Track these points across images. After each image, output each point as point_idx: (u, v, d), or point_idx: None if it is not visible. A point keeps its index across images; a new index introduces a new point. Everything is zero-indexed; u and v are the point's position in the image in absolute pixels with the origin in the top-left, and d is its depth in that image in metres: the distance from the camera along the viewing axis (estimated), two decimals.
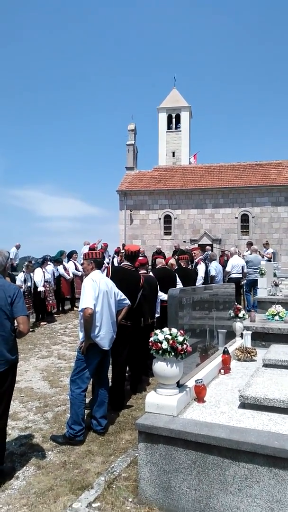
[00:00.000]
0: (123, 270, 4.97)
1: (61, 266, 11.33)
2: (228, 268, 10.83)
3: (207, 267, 10.10)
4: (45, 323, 9.91)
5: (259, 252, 13.73)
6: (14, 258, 14.91)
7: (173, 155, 34.26)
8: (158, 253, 16.13)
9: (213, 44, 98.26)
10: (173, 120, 34.90)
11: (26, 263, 9.97)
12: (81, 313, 3.93)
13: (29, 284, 9.34)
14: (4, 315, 3.13)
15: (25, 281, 9.24)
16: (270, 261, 12.45)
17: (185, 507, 2.67)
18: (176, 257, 9.09)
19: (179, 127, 34.85)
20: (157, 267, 6.83)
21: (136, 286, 4.92)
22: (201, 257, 10.01)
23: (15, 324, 3.23)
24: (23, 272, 9.52)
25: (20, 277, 9.33)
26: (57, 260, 11.27)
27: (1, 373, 3.11)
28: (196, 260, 9.86)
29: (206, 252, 12.34)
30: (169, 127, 34.89)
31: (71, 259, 12.05)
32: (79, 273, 11.53)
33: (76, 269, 11.79)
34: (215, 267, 9.97)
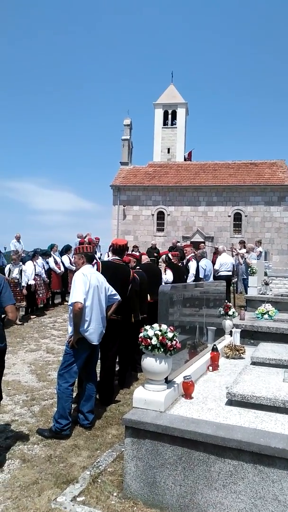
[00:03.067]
0: (113, 265, 4.95)
1: (52, 259, 11.24)
2: (216, 266, 10.85)
3: (198, 264, 10.09)
4: (35, 316, 9.86)
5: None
6: (16, 250, 14.37)
7: (168, 152, 34.18)
8: (153, 249, 16.10)
9: (212, 42, 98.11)
10: (169, 116, 34.77)
11: (11, 255, 9.89)
12: (71, 307, 3.91)
13: (14, 275, 9.25)
14: None
15: (9, 272, 9.18)
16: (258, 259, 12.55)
17: (170, 502, 2.68)
18: (169, 253, 9.08)
19: (175, 124, 34.74)
20: (142, 262, 6.82)
21: (126, 280, 4.89)
22: (193, 254, 9.99)
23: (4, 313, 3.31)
24: (11, 263, 9.44)
25: (6, 269, 9.29)
26: (45, 253, 11.16)
27: None
28: (188, 257, 9.85)
29: (202, 250, 12.37)
30: (165, 123, 34.76)
31: (65, 254, 11.96)
32: (73, 268, 11.46)
33: (71, 263, 11.71)
34: (204, 265, 9.99)
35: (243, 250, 13.73)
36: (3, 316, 3.36)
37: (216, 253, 13.87)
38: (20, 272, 9.37)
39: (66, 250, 12.03)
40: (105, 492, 2.86)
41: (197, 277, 9.24)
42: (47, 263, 11.00)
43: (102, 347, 4.62)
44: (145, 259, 7.04)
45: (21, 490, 2.94)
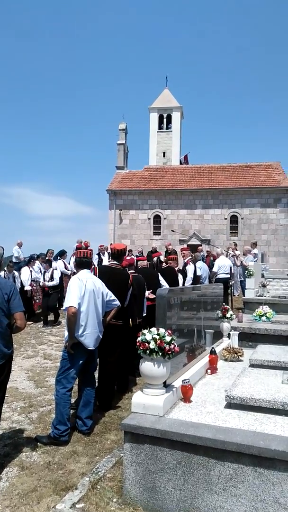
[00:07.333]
0: (110, 270, 4.94)
1: (62, 263, 11.26)
2: (215, 269, 10.87)
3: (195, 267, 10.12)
4: (31, 322, 9.81)
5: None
6: (18, 256, 14.33)
7: (164, 155, 34.24)
8: (154, 251, 16.19)
9: (206, 46, 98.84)
10: (164, 120, 34.85)
11: (7, 263, 9.83)
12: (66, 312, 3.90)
13: None
14: (2, 312, 3.21)
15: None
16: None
17: (170, 507, 2.66)
18: (160, 256, 9.09)
19: (170, 128, 34.83)
20: (139, 268, 6.82)
21: (125, 285, 4.88)
22: (190, 257, 10.00)
23: (12, 319, 3.31)
24: (5, 271, 9.37)
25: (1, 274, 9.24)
26: (38, 257, 11.08)
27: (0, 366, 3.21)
28: (185, 261, 9.87)
29: (201, 253, 12.44)
30: (160, 127, 34.83)
31: (60, 259, 11.90)
32: (68, 272, 11.45)
33: (65, 268, 11.68)
34: (199, 267, 10.04)
35: (237, 252, 13.86)
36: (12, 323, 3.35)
37: (208, 256, 13.93)
38: (14, 279, 9.34)
39: (61, 254, 11.96)
40: (105, 498, 2.84)
41: (195, 281, 9.24)
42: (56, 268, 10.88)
43: (102, 352, 4.60)
44: (141, 265, 7.00)
45: (19, 498, 2.91)
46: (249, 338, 5.96)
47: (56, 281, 9.68)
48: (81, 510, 2.73)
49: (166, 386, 3.07)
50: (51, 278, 9.59)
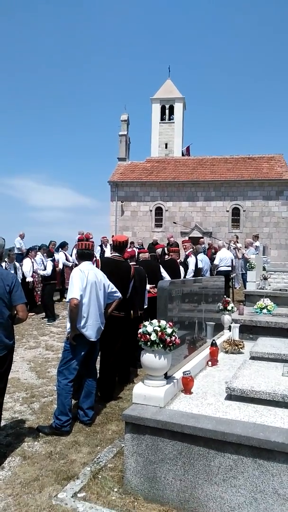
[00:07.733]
0: (113, 261, 4.94)
1: (63, 255, 11.29)
2: (216, 261, 10.87)
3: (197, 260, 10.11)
4: (33, 313, 9.85)
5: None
6: (20, 248, 14.30)
7: (166, 147, 34.04)
8: (155, 244, 16.13)
9: (209, 35, 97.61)
10: (167, 111, 34.58)
11: (7, 253, 9.79)
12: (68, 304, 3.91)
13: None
14: (3, 303, 3.21)
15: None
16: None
17: (170, 497, 2.69)
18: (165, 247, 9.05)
19: (172, 119, 34.58)
20: (140, 260, 6.81)
21: (128, 277, 4.89)
22: (191, 250, 9.98)
23: (14, 311, 3.32)
24: (5, 262, 9.35)
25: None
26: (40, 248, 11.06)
27: (2, 357, 3.22)
28: (187, 253, 9.85)
29: (203, 246, 12.45)
30: (162, 118, 34.58)
31: (61, 250, 11.90)
32: (70, 264, 11.46)
33: (67, 259, 11.70)
34: (200, 259, 10.05)
35: (238, 245, 13.87)
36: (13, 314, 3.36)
37: (210, 248, 13.93)
38: (15, 270, 9.34)
39: (62, 246, 11.94)
40: (106, 488, 2.87)
41: (196, 273, 9.24)
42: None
43: (104, 344, 4.62)
44: (142, 257, 6.99)
45: (22, 487, 2.95)
46: (250, 330, 5.97)
47: (48, 271, 9.60)
48: (82, 499, 2.76)
49: (167, 377, 3.09)
50: (45, 268, 9.59)
